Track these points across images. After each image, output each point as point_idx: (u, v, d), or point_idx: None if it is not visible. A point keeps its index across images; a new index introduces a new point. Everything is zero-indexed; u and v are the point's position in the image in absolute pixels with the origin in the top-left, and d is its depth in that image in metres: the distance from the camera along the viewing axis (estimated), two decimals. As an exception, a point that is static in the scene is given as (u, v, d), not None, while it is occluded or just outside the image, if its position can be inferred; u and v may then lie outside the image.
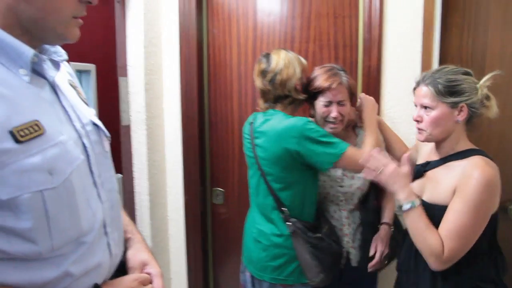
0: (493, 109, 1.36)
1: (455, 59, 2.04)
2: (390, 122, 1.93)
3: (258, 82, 1.65)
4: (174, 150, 2.29)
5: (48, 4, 0.76)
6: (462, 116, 1.33)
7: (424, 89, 1.36)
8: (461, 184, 1.27)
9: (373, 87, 1.95)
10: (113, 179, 1.00)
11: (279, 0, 2.13)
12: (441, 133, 1.37)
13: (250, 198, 1.79)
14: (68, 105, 0.88)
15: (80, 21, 0.83)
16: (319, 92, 1.63)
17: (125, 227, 1.08)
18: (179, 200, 2.33)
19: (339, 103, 1.62)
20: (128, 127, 2.05)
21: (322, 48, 2.10)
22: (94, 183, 0.89)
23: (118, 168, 1.96)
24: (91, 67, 1.72)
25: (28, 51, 0.77)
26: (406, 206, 1.31)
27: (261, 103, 1.68)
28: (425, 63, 1.91)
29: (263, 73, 1.62)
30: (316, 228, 1.63)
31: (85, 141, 0.88)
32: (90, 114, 0.97)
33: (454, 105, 1.32)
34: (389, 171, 1.35)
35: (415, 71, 1.91)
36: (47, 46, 0.90)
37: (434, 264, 1.28)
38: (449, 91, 1.32)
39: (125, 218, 1.11)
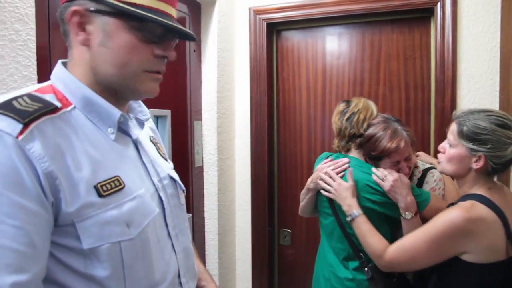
0: None
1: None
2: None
3: (336, 121, 1.68)
4: (244, 191, 2.34)
5: (117, 60, 0.80)
6: (477, 165, 1.28)
7: (453, 126, 1.36)
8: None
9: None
10: (187, 231, 1.02)
11: (348, 43, 2.16)
12: (454, 171, 1.37)
13: (322, 239, 1.77)
14: (148, 160, 0.93)
15: (158, 76, 0.86)
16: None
17: (200, 274, 1.10)
18: (247, 240, 2.35)
19: (406, 159, 1.59)
20: (200, 168, 2.13)
21: (393, 90, 2.08)
22: (169, 234, 0.92)
23: (189, 208, 2.05)
24: (167, 112, 1.82)
25: (117, 113, 0.83)
26: (347, 218, 1.51)
27: (336, 142, 1.70)
28: (504, 103, 1.83)
29: (342, 112, 1.66)
30: (390, 273, 1.58)
31: (162, 194, 0.91)
32: (168, 168, 1.00)
33: (472, 152, 1.28)
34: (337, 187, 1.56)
35: (494, 111, 1.83)
36: (133, 105, 0.97)
37: (377, 263, 1.43)
38: (471, 137, 1.28)
39: (199, 266, 1.13)
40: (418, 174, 1.66)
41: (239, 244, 2.38)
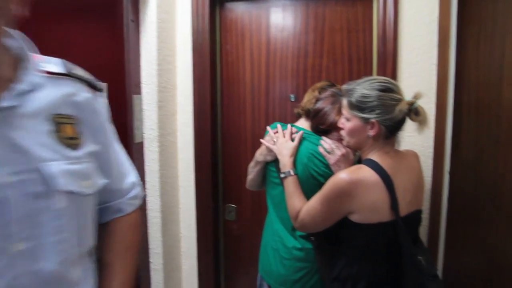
0: (423, 124, 1.36)
1: (471, 72, 2.00)
2: (406, 135, 1.92)
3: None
4: (187, 166, 2.28)
5: None
6: (373, 132, 1.34)
7: (344, 100, 1.42)
8: None
9: (388, 102, 1.92)
10: (58, 247, 0.78)
11: (293, 15, 2.13)
12: (355, 143, 1.43)
13: (269, 210, 1.77)
14: (7, 144, 0.72)
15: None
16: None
17: None
18: (192, 217, 2.31)
19: None
20: (141, 144, 2.04)
21: (336, 63, 2.08)
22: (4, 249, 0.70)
23: (131, 186, 1.97)
24: (103, 85, 1.71)
25: None
26: (281, 175, 1.56)
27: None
28: (441, 76, 1.88)
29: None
30: (336, 241, 1.61)
31: (11, 192, 0.71)
32: (44, 159, 0.77)
33: (365, 120, 1.34)
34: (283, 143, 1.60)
35: (431, 84, 1.89)
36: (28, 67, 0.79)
37: (294, 225, 1.50)
38: (360, 107, 1.34)
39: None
40: (358, 153, 1.69)
41: (184, 221, 2.33)
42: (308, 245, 1.58)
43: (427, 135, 1.92)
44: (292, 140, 1.61)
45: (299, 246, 1.60)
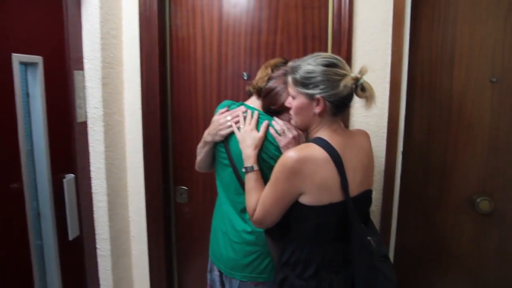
0: (370, 100, 1.32)
1: (425, 51, 2.01)
2: (360, 115, 1.90)
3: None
4: (135, 147, 2.16)
5: None
6: (319, 109, 1.31)
7: (289, 79, 1.38)
8: None
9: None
10: None
11: (245, -10, 2.03)
12: (302, 122, 1.39)
13: (219, 193, 1.70)
14: None
15: None
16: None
17: None
18: (141, 200, 2.21)
19: None
20: (84, 124, 1.91)
21: (290, 40, 2.02)
22: None
23: (72, 168, 1.85)
24: (38, 59, 1.56)
25: None
26: (243, 169, 1.46)
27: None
28: (395, 55, 1.87)
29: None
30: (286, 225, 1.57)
31: None
32: None
33: (310, 97, 1.31)
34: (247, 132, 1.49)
35: (386, 62, 1.87)
36: None
37: (250, 221, 1.43)
38: (304, 83, 1.31)
39: None
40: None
41: (132, 205, 2.23)
42: (259, 229, 1.52)
43: (381, 115, 1.91)
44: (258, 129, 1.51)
45: (249, 229, 1.55)
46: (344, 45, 1.88)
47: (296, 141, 1.46)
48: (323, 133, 1.34)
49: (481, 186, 2.06)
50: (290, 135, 1.45)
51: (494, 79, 1.97)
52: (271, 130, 1.49)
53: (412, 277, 2.20)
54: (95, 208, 2.01)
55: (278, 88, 1.50)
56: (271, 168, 1.43)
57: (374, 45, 1.88)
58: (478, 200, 2.03)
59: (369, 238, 1.31)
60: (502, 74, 1.96)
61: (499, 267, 2.12)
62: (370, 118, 1.92)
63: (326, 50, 1.97)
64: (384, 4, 1.84)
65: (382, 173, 1.95)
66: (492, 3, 1.93)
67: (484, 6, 1.93)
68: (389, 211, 1.99)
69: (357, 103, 1.41)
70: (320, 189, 1.27)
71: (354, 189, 1.33)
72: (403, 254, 2.14)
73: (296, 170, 1.25)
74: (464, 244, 2.13)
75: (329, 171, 1.26)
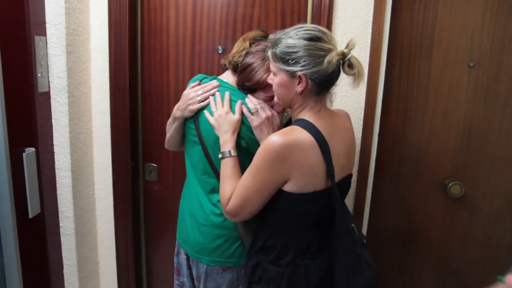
0: (358, 78, 1.21)
1: (405, 32, 1.97)
2: (337, 95, 1.85)
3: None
4: (102, 121, 2.04)
5: None
6: (301, 87, 1.21)
7: (269, 53, 1.27)
8: None
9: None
10: None
11: (223, -41, 1.93)
12: (284, 100, 1.30)
13: (188, 172, 1.62)
14: None
15: None
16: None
17: None
18: (108, 177, 2.11)
19: None
20: (46, 94, 1.78)
21: (268, 14, 1.93)
22: None
23: (32, 141, 1.72)
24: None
25: None
26: (219, 155, 1.37)
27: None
28: (376, 34, 1.83)
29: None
30: None
31: None
32: None
33: (292, 74, 1.21)
34: (222, 116, 1.39)
35: (366, 42, 1.83)
36: None
37: (223, 212, 1.32)
38: (284, 58, 1.20)
39: None
40: (286, 115, 1.57)
41: (99, 182, 2.13)
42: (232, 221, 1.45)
43: (359, 96, 1.87)
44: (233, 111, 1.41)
45: (217, 211, 1.48)
46: (323, 21, 1.81)
47: (270, 122, 1.38)
48: (306, 115, 1.25)
49: (453, 171, 2.07)
50: (263, 115, 1.37)
51: (471, 64, 1.96)
52: (244, 109, 1.41)
53: (382, 257, 2.21)
54: (58, 185, 1.90)
55: (255, 64, 1.41)
56: (241, 148, 1.37)
57: (355, 22, 1.82)
58: (450, 184, 2.04)
59: (352, 225, 1.27)
60: (480, 59, 1.96)
61: (466, 249, 2.16)
62: (347, 98, 1.87)
63: (305, 26, 1.91)
64: (367, -19, 1.79)
65: (358, 154, 1.92)
66: (473, -15, 1.91)
67: (466, -12, 1.91)
68: (364, 193, 1.97)
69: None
70: (306, 175, 1.19)
71: (338, 175, 1.27)
72: (374, 235, 2.15)
73: (282, 156, 1.16)
74: (434, 226, 2.16)
75: (316, 157, 1.18)
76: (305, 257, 1.30)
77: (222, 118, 1.39)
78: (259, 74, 1.40)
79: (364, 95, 1.86)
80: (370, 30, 1.82)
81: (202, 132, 1.47)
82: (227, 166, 1.33)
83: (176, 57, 2.03)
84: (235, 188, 1.27)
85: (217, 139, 1.41)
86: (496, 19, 1.92)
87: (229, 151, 1.34)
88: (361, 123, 1.89)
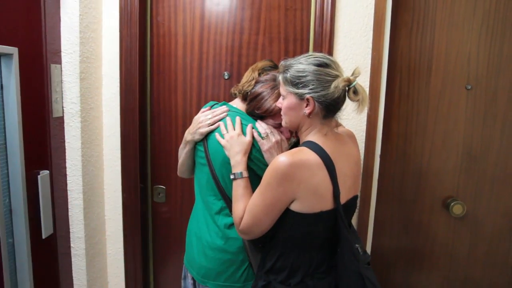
0: (362, 104, 1.28)
1: (404, 57, 2.04)
2: (339, 118, 1.88)
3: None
4: (113, 144, 2.12)
5: None
6: (308, 109, 1.28)
7: (280, 77, 1.35)
8: None
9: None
10: None
11: (229, -11, 2.03)
12: (292, 122, 1.36)
13: (196, 195, 1.67)
14: None
15: None
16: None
17: None
18: (118, 198, 2.17)
19: None
20: (60, 119, 1.87)
21: (272, 41, 2.02)
22: None
23: (46, 164, 1.80)
24: (13, 50, 1.51)
25: None
26: (231, 176, 1.41)
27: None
28: (375, 59, 1.89)
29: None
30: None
31: None
32: None
33: (300, 97, 1.28)
34: (234, 138, 1.44)
35: (366, 67, 1.89)
36: None
37: (237, 231, 1.37)
38: (294, 82, 1.29)
39: None
40: (293, 139, 1.63)
41: (109, 203, 2.19)
42: (234, 234, 1.49)
43: (360, 118, 1.93)
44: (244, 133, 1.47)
45: (221, 234, 1.51)
46: (325, 47, 1.89)
47: (279, 146, 1.44)
48: (314, 137, 1.31)
49: (455, 190, 2.11)
50: (273, 139, 1.44)
51: (469, 87, 2.03)
52: (254, 133, 1.46)
53: (386, 276, 2.23)
54: (70, 206, 1.96)
55: (265, 93, 1.48)
56: (250, 169, 1.43)
57: (355, 49, 1.90)
58: (452, 204, 2.08)
59: (357, 245, 1.31)
60: (477, 82, 2.02)
61: (469, 268, 2.18)
62: (349, 121, 1.94)
63: (308, 52, 1.98)
64: (365, 9, 1.87)
65: (360, 176, 1.97)
66: (468, 12, 1.99)
67: (461, 15, 1.99)
68: (367, 213, 2.01)
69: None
70: (313, 196, 1.24)
71: (344, 196, 1.31)
72: (378, 254, 2.17)
73: (290, 175, 1.21)
74: (437, 245, 2.18)
75: (322, 177, 1.23)
76: (314, 277, 1.33)
77: (233, 140, 1.44)
78: (269, 103, 1.46)
79: (365, 118, 1.92)
80: (369, 56, 1.89)
81: (210, 152, 1.52)
82: (239, 187, 1.37)
83: (183, 81, 2.12)
84: (246, 209, 1.32)
85: (224, 159, 1.46)
86: (491, 43, 1.99)
87: (241, 172, 1.39)
88: (363, 144, 1.95)
